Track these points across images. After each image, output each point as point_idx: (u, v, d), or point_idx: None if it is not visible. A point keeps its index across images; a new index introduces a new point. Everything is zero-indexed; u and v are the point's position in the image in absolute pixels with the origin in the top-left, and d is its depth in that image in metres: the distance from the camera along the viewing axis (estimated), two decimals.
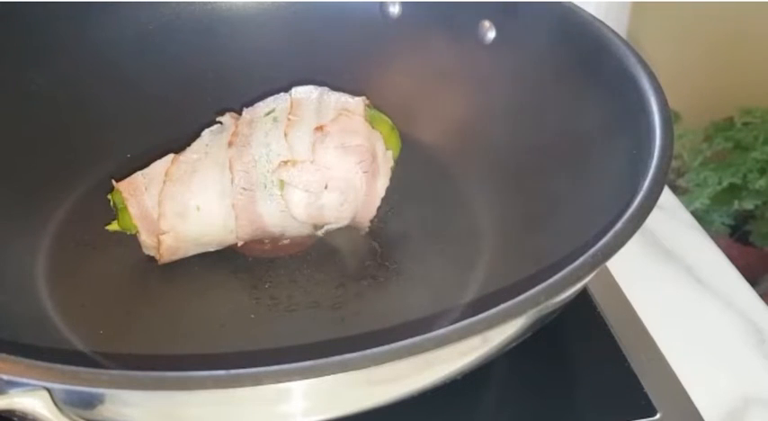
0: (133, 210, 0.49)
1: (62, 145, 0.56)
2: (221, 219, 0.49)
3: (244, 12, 0.62)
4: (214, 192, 0.49)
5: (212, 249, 0.51)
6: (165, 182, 0.49)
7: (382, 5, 0.60)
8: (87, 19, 0.58)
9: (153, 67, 0.59)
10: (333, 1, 0.58)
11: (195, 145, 0.50)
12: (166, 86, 0.59)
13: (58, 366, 0.30)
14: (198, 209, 0.49)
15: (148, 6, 0.59)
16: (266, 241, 0.52)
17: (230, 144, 0.49)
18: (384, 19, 0.59)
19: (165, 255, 0.50)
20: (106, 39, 0.58)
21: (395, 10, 0.60)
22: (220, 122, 0.51)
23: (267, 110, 0.51)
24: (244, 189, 0.49)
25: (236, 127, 0.50)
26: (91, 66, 0.57)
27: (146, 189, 0.49)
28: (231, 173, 0.49)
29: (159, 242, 0.49)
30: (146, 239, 0.50)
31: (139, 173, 0.50)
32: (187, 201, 0.49)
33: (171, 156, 0.50)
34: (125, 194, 0.49)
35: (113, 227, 0.50)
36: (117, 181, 0.50)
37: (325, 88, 0.52)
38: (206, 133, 0.51)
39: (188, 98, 0.59)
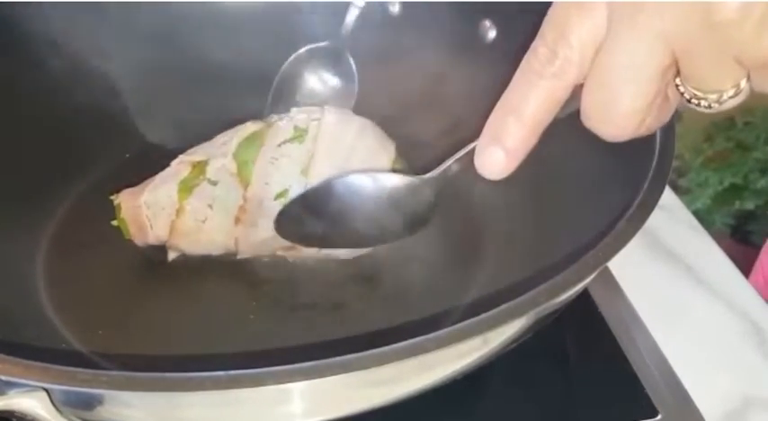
0: (137, 238, 0.50)
1: (61, 145, 0.56)
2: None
3: (245, 11, 0.62)
4: (219, 250, 0.50)
5: None
6: (170, 233, 0.49)
7: (383, 5, 0.60)
8: (87, 18, 0.58)
9: (153, 66, 0.59)
10: (333, 0, 0.58)
11: (201, 191, 0.49)
12: (166, 86, 0.59)
13: (57, 367, 0.30)
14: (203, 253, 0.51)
15: (148, 6, 0.59)
16: None
17: (237, 220, 0.49)
18: (384, 18, 0.59)
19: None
20: (106, 38, 0.58)
21: (395, 9, 0.59)
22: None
23: (279, 190, 0.49)
24: (250, 251, 0.50)
25: (245, 201, 0.49)
26: (90, 65, 0.57)
27: (151, 228, 0.50)
28: (236, 248, 0.50)
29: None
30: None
31: (144, 197, 0.49)
32: (193, 251, 0.50)
33: (175, 185, 0.49)
34: (130, 227, 0.50)
35: (117, 223, 0.51)
36: (117, 191, 0.50)
37: (365, 125, 0.51)
38: (211, 169, 0.49)
39: (188, 97, 0.59)
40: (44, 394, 0.30)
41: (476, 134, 0.37)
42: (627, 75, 0.29)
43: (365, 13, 0.58)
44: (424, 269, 0.51)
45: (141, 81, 0.58)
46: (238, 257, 0.51)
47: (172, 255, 0.51)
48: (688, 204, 0.78)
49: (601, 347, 0.49)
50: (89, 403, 0.31)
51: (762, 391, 0.47)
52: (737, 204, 1.25)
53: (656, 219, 0.38)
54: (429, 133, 0.58)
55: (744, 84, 0.28)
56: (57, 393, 0.30)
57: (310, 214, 0.45)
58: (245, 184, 0.49)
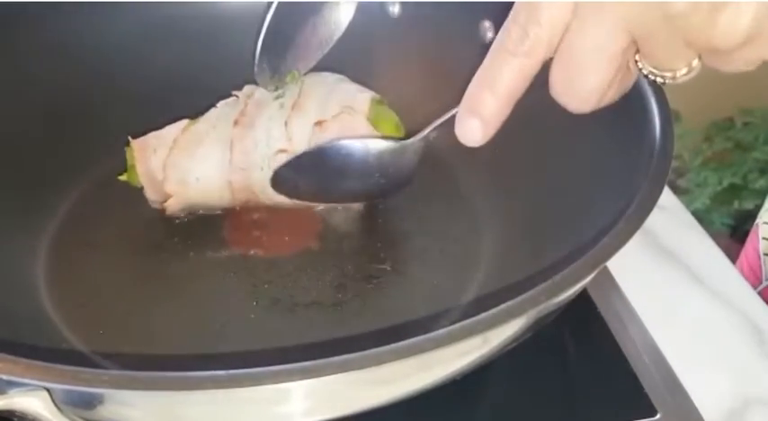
0: (140, 169, 0.51)
1: (62, 145, 0.56)
2: (218, 191, 0.52)
3: (247, 10, 0.61)
4: (214, 166, 0.51)
5: (218, 211, 0.53)
6: (171, 148, 0.51)
7: (383, 5, 0.60)
8: (87, 17, 0.58)
9: (155, 66, 0.59)
10: (333, 1, 0.58)
11: (208, 115, 0.52)
12: (169, 86, 0.59)
13: (58, 366, 0.30)
14: (198, 180, 0.51)
15: (150, 5, 0.59)
16: (264, 238, 0.53)
17: (236, 122, 0.51)
18: (384, 19, 0.59)
19: (170, 212, 0.52)
20: (107, 37, 0.58)
21: (395, 10, 0.60)
22: (236, 96, 0.53)
23: (277, 92, 0.52)
24: (241, 169, 0.51)
25: (246, 105, 0.51)
26: (91, 65, 0.57)
27: (154, 151, 0.51)
28: (230, 152, 0.50)
29: (164, 206, 0.52)
30: (151, 196, 0.52)
31: (153, 134, 0.52)
32: (188, 172, 0.51)
33: (185, 121, 0.52)
34: (135, 153, 0.51)
35: (124, 177, 0.52)
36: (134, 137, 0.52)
37: (342, 77, 0.53)
38: (221, 104, 0.53)
39: (189, 98, 0.59)
40: (45, 393, 0.30)
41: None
42: (591, 56, 0.32)
43: (364, 13, 0.58)
44: (424, 269, 0.51)
45: (143, 81, 0.58)
46: (232, 180, 0.51)
47: (170, 209, 0.52)
48: (687, 204, 0.78)
49: (600, 347, 0.49)
50: (90, 402, 0.31)
51: (761, 391, 0.47)
52: (736, 204, 1.25)
53: (655, 219, 0.38)
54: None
55: (695, 63, 0.32)
56: (58, 392, 0.30)
57: (303, 175, 0.49)
58: (249, 96, 0.52)
